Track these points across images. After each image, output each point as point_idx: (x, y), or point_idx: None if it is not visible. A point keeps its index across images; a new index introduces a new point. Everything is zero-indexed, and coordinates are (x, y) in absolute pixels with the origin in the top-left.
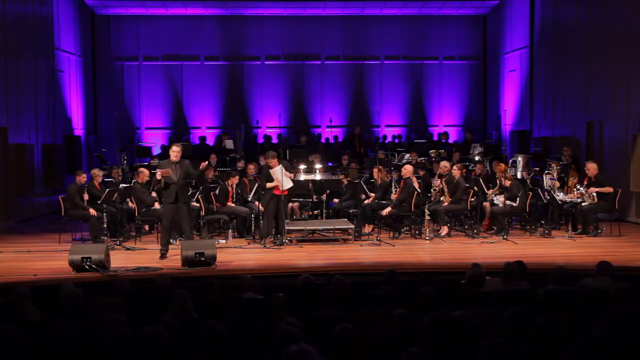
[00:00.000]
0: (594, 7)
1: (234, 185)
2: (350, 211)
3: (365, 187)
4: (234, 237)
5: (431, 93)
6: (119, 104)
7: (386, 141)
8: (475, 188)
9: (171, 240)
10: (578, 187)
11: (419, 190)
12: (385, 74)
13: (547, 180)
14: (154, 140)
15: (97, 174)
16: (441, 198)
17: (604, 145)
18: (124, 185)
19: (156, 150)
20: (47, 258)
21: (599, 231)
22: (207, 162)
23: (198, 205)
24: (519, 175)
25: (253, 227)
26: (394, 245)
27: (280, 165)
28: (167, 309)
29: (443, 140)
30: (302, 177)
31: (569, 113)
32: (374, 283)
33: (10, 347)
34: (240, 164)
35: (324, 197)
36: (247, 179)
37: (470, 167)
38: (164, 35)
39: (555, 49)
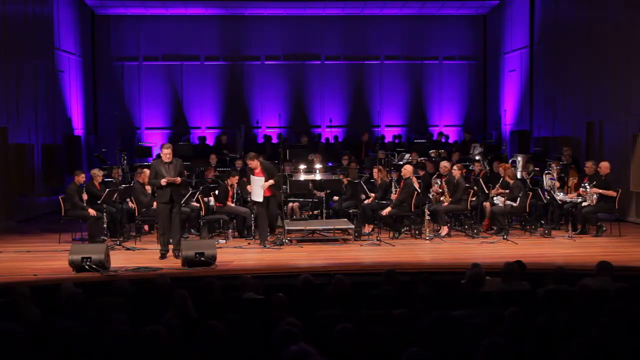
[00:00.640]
0: (594, 7)
1: (234, 185)
2: (350, 211)
3: (365, 187)
4: (234, 237)
5: (431, 93)
6: (119, 104)
7: (386, 141)
8: (475, 188)
9: (170, 240)
10: (585, 184)
11: (419, 190)
12: (385, 74)
13: (547, 180)
14: (154, 140)
15: (97, 174)
16: (441, 198)
17: (604, 145)
18: (124, 185)
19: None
20: (47, 258)
21: (604, 229)
22: (179, 179)
23: (198, 205)
24: (519, 175)
25: (253, 227)
26: (394, 245)
27: (259, 178)
28: (167, 309)
29: (442, 140)
30: (302, 177)
31: (569, 113)
32: (374, 283)
33: (10, 347)
34: (240, 164)
35: (322, 194)
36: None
37: (470, 167)
38: (164, 35)
39: (555, 49)
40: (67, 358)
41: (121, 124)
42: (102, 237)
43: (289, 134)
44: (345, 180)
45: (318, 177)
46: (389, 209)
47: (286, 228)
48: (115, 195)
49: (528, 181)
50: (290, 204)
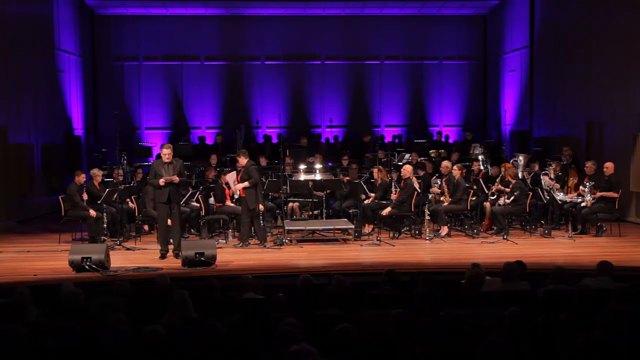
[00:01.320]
0: (594, 7)
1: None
2: (350, 211)
3: (365, 187)
4: (233, 237)
5: (431, 93)
6: (119, 104)
7: (386, 141)
8: (475, 187)
9: (170, 240)
10: (587, 183)
11: (419, 190)
12: (385, 74)
13: (545, 181)
14: (154, 140)
15: (97, 173)
16: (441, 198)
17: (604, 145)
18: (124, 185)
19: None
20: (47, 258)
21: (604, 229)
22: (177, 178)
23: (198, 205)
24: (519, 175)
25: (253, 227)
26: (394, 245)
27: (234, 172)
28: (167, 309)
29: (442, 140)
30: (302, 177)
31: (569, 113)
32: (374, 283)
33: (10, 347)
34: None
35: (322, 194)
36: None
37: (470, 167)
38: (164, 35)
39: (555, 48)
40: (67, 358)
41: (121, 124)
42: (102, 237)
43: (289, 134)
44: (345, 179)
45: (318, 177)
46: (389, 209)
47: (286, 228)
48: (115, 195)
49: (528, 181)
50: (290, 204)
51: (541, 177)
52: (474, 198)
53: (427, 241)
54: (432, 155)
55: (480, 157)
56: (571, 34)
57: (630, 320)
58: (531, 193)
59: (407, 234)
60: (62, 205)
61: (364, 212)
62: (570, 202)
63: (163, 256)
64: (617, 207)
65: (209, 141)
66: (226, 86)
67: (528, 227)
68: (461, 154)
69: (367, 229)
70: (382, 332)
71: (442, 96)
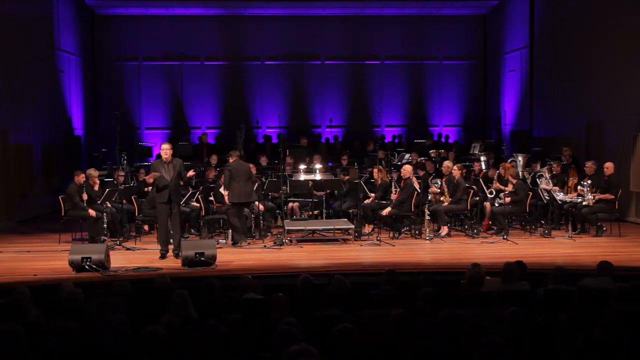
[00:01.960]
0: (594, 7)
1: None
2: (350, 211)
3: (365, 187)
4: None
5: (431, 93)
6: (119, 104)
7: (386, 141)
8: (475, 187)
9: (170, 240)
10: (584, 183)
11: (419, 190)
12: (385, 74)
13: (542, 183)
14: (154, 140)
15: (93, 174)
16: (441, 198)
17: (604, 145)
18: (125, 185)
19: (156, 151)
20: (47, 258)
21: (604, 229)
22: (193, 172)
23: (198, 205)
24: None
25: (253, 227)
26: (394, 245)
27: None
28: (167, 309)
29: (442, 140)
30: (302, 177)
31: (569, 113)
32: (374, 283)
33: (10, 347)
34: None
35: (322, 194)
36: None
37: (471, 167)
38: (164, 35)
39: (555, 48)
40: (67, 358)
41: (121, 124)
42: (102, 237)
43: (289, 134)
44: (345, 179)
45: (318, 177)
46: (389, 209)
47: (286, 228)
48: (115, 195)
49: (528, 181)
50: (290, 204)
51: (537, 179)
52: (476, 198)
53: (427, 241)
54: (432, 155)
55: (482, 158)
56: (571, 34)
57: (630, 320)
58: (531, 193)
59: (407, 234)
60: (62, 205)
61: (364, 212)
62: (570, 202)
63: (163, 256)
64: (617, 207)
65: (209, 141)
66: (226, 86)
67: (528, 227)
68: (461, 154)
69: (367, 229)
70: (382, 332)
71: (442, 96)
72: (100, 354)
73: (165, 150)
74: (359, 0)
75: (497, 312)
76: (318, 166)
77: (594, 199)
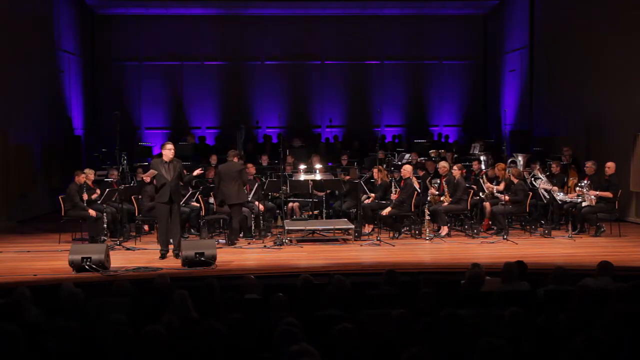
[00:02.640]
0: (594, 7)
1: None
2: (350, 211)
3: (365, 187)
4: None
5: (431, 93)
6: (119, 104)
7: (386, 141)
8: (475, 187)
9: (170, 240)
10: (582, 183)
11: (419, 190)
12: (386, 74)
13: (541, 184)
14: (154, 140)
15: (89, 173)
16: (441, 198)
17: (604, 145)
18: (124, 185)
19: (156, 151)
20: (47, 258)
21: (603, 229)
22: (201, 170)
23: (198, 205)
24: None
25: (253, 227)
26: (394, 245)
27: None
28: (167, 309)
29: (442, 140)
30: (302, 177)
31: (569, 113)
32: (374, 283)
33: (10, 347)
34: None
35: (322, 194)
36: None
37: (470, 167)
38: (164, 35)
39: (555, 48)
40: (67, 358)
41: (121, 124)
42: (102, 237)
43: (288, 134)
44: (345, 178)
45: (318, 177)
46: (389, 209)
47: (286, 228)
48: (115, 195)
49: (529, 181)
50: (290, 204)
51: (534, 182)
52: (476, 198)
53: (427, 241)
54: (432, 155)
55: (482, 158)
56: (571, 34)
57: (630, 320)
58: (531, 193)
59: (407, 234)
60: (62, 205)
61: (364, 212)
62: (570, 202)
63: (163, 256)
64: (617, 207)
65: (209, 141)
66: (226, 86)
67: (528, 227)
68: (461, 154)
69: (367, 229)
70: (382, 332)
71: (442, 96)
72: (100, 354)
73: (171, 149)
74: (359, 0)
75: (497, 312)
76: (318, 166)
77: (595, 197)
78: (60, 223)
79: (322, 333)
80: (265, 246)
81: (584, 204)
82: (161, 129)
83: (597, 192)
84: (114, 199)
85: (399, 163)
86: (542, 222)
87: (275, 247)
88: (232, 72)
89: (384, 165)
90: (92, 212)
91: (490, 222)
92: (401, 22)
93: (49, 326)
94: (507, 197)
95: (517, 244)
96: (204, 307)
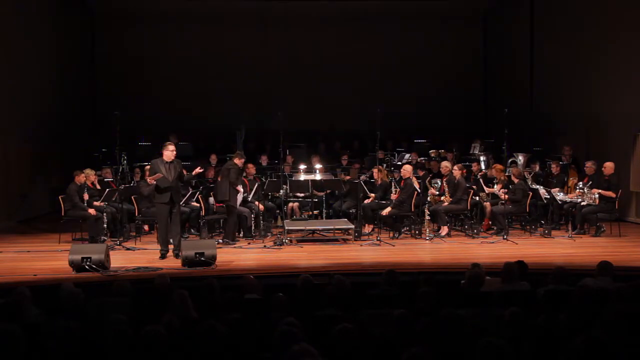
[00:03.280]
0: (594, 7)
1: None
2: (350, 211)
3: (365, 187)
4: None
5: (431, 93)
6: (119, 104)
7: (386, 141)
8: (475, 187)
9: (171, 240)
10: (580, 184)
11: (419, 190)
12: (385, 74)
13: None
14: (154, 140)
15: (89, 173)
16: (441, 198)
17: (605, 145)
18: (124, 185)
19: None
20: (47, 258)
21: (603, 229)
22: (201, 169)
23: (198, 205)
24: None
25: (253, 227)
26: (394, 245)
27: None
28: (167, 309)
29: (442, 140)
30: (302, 177)
31: (570, 112)
32: (374, 283)
33: (10, 347)
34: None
35: (322, 194)
36: (246, 178)
37: (470, 167)
38: (164, 35)
39: (556, 48)
40: (67, 358)
41: (121, 124)
42: (102, 237)
43: (288, 134)
44: (345, 178)
45: (318, 177)
46: (389, 209)
47: (286, 228)
48: (115, 195)
49: (528, 181)
50: (290, 204)
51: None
52: (476, 198)
53: (427, 241)
54: (432, 155)
55: (482, 158)
56: (572, 34)
57: (630, 320)
58: (531, 193)
59: (407, 234)
60: (62, 205)
61: (364, 212)
62: (570, 202)
63: (163, 256)
64: (617, 207)
65: (209, 141)
66: (226, 86)
67: (528, 227)
68: (461, 154)
69: (367, 229)
70: (382, 332)
71: (442, 96)
72: (100, 354)
73: (173, 150)
74: (360, 0)
75: (497, 312)
76: (318, 166)
77: (597, 197)
78: (60, 223)
79: (322, 333)
80: (265, 246)
81: (583, 203)
82: (161, 129)
83: (599, 191)
84: (114, 199)
85: (399, 163)
86: (542, 222)
87: (275, 247)
88: (232, 72)
89: (384, 165)
90: (92, 211)
91: (490, 222)
92: (401, 22)
93: (49, 326)
94: (506, 196)
95: (517, 244)
96: (204, 307)
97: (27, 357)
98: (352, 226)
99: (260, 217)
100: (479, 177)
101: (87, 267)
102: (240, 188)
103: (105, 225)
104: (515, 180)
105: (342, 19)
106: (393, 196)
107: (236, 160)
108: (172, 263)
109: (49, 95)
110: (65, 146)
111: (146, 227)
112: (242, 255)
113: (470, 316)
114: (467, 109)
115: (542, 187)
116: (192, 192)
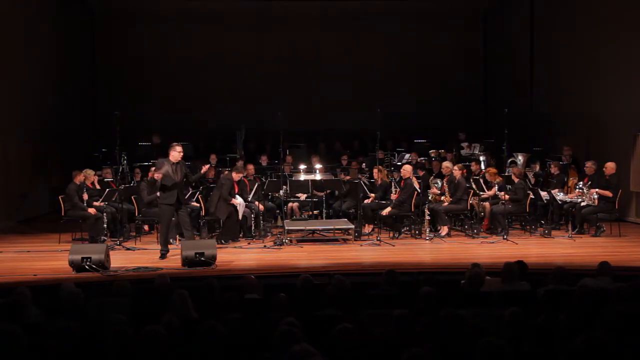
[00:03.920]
0: (594, 7)
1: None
2: (350, 211)
3: (365, 187)
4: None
5: (431, 93)
6: (119, 104)
7: (386, 141)
8: (474, 186)
9: (171, 240)
10: (580, 184)
11: (419, 190)
12: (385, 74)
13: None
14: (154, 140)
15: (89, 174)
16: (442, 198)
17: (605, 145)
18: (124, 185)
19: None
20: (47, 258)
21: (603, 229)
22: (208, 166)
23: (198, 205)
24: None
25: (253, 227)
26: (394, 245)
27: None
28: (167, 309)
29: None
30: (302, 177)
31: (569, 113)
32: (374, 283)
33: (10, 347)
34: (240, 164)
35: (322, 194)
36: (247, 178)
37: (470, 167)
38: (164, 35)
39: (555, 48)
40: (67, 358)
41: (121, 124)
42: (102, 237)
43: (288, 134)
44: (345, 178)
45: (318, 177)
46: (389, 209)
47: (286, 228)
48: (115, 195)
49: (528, 180)
50: (290, 204)
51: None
52: (475, 198)
53: (427, 241)
54: (432, 155)
55: (481, 158)
56: (571, 34)
57: (630, 320)
58: (531, 193)
59: (407, 234)
60: (62, 205)
61: (364, 212)
62: (570, 202)
63: (163, 256)
64: (617, 207)
65: (209, 141)
66: (226, 86)
67: (528, 227)
68: (456, 154)
69: (367, 229)
70: (382, 332)
71: (442, 96)
72: (100, 354)
73: (180, 152)
74: (360, 0)
75: (497, 312)
76: (318, 166)
77: (596, 197)
78: (60, 223)
79: (322, 333)
80: (265, 246)
81: (583, 203)
82: (161, 129)
83: (598, 190)
84: (114, 199)
85: (399, 163)
86: (542, 222)
87: (275, 247)
88: (232, 72)
89: (384, 165)
90: (92, 211)
91: (490, 222)
92: (401, 22)
93: (49, 326)
94: (506, 196)
95: (517, 244)
96: (204, 307)
97: (27, 357)
98: (352, 226)
99: (260, 217)
100: (479, 177)
101: (87, 267)
102: (236, 201)
103: (105, 225)
104: (516, 180)
105: (342, 19)
106: (393, 196)
107: (234, 174)
108: (172, 263)
109: (49, 95)
110: (65, 146)
111: (146, 227)
112: (242, 255)
113: (470, 316)
114: (467, 109)
115: (539, 189)
116: (192, 192)
